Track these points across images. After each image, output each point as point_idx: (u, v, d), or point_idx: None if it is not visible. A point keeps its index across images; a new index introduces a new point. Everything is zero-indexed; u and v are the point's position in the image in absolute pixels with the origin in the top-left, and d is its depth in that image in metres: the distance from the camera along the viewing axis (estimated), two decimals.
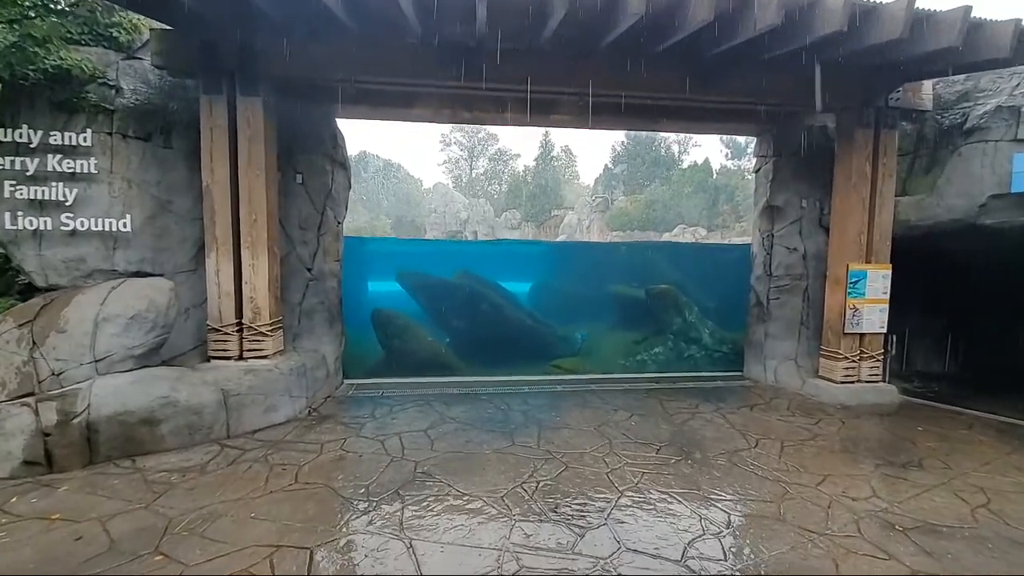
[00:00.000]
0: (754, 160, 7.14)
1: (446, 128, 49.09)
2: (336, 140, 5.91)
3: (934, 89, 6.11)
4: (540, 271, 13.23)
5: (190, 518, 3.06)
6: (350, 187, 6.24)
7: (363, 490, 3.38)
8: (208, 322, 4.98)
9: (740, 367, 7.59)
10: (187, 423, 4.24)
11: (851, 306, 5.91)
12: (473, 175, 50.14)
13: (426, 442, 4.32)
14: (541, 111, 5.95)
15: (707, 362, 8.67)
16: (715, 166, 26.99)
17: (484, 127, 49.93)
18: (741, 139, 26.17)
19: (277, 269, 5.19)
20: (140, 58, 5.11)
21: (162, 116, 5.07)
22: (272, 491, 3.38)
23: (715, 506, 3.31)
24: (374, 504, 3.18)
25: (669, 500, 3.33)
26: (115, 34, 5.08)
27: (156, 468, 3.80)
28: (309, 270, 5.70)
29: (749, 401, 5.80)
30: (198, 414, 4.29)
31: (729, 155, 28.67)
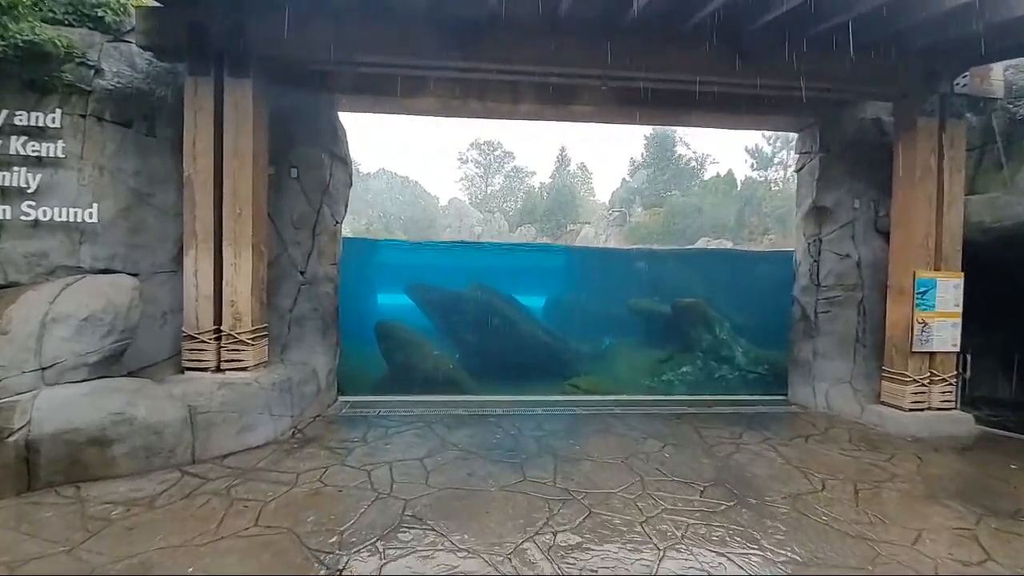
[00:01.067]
0: (795, 158, 6.43)
1: (463, 146, 49.39)
2: (336, 133, 5.42)
3: (1004, 75, 5.37)
4: (556, 282, 12.56)
5: (115, 569, 2.43)
6: (351, 184, 5.73)
7: (334, 539, 2.70)
8: (183, 328, 4.43)
9: (780, 389, 6.74)
10: (145, 444, 3.64)
11: (919, 320, 5.09)
12: (488, 191, 50.14)
13: (421, 474, 3.63)
14: (560, 99, 5.39)
15: (740, 383, 7.82)
16: (739, 177, 26.25)
17: (501, 146, 50.25)
18: (767, 149, 25.40)
19: (264, 271, 4.64)
20: (128, 41, 4.72)
21: (147, 102, 4.64)
22: (223, 536, 2.72)
23: None
24: (344, 560, 2.49)
25: (726, 566, 2.57)
26: (101, 14, 4.70)
27: (100, 499, 3.19)
28: (302, 273, 5.15)
29: (801, 430, 4.97)
30: (158, 434, 3.69)
31: (754, 165, 27.75)
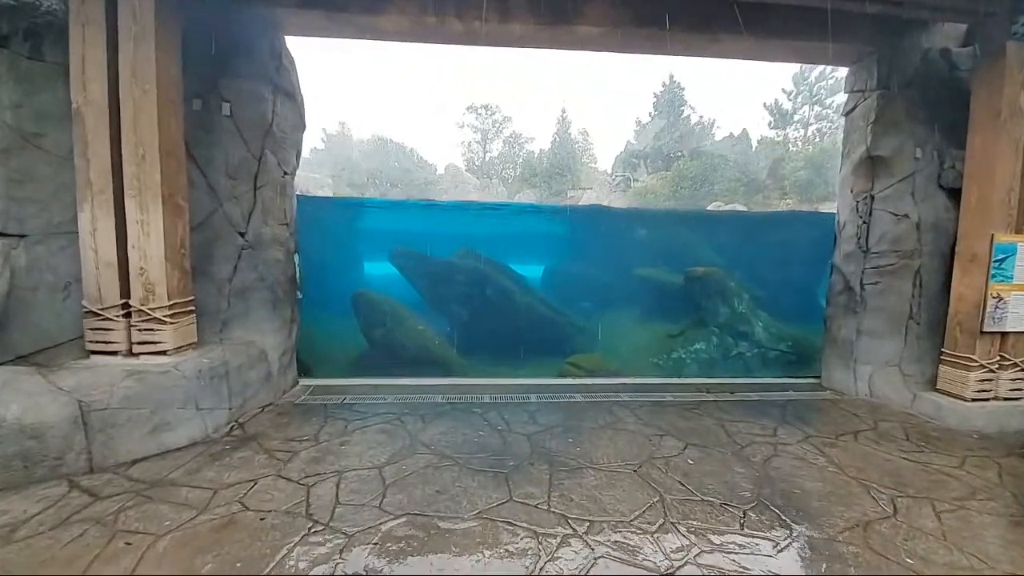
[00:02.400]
0: (845, 98, 5.36)
1: (456, 110, 47.31)
2: (281, 61, 4.35)
3: None
4: (556, 249, 11.59)
5: None
6: (304, 127, 4.70)
7: None
8: (84, 302, 3.53)
9: (806, 370, 5.94)
10: (19, 452, 2.81)
11: (993, 294, 4.19)
12: (487, 158, 48.35)
13: (376, 491, 2.81)
14: (561, 18, 4.30)
15: (760, 363, 7.00)
16: (754, 137, 24.57)
17: (499, 110, 48.10)
18: (787, 105, 23.42)
19: (183, 230, 3.70)
20: None
21: (29, 14, 3.58)
22: None
23: None
24: None
25: None
26: None
27: None
28: (242, 235, 4.21)
29: (846, 425, 4.15)
30: (37, 438, 2.85)
31: (772, 123, 25.72)
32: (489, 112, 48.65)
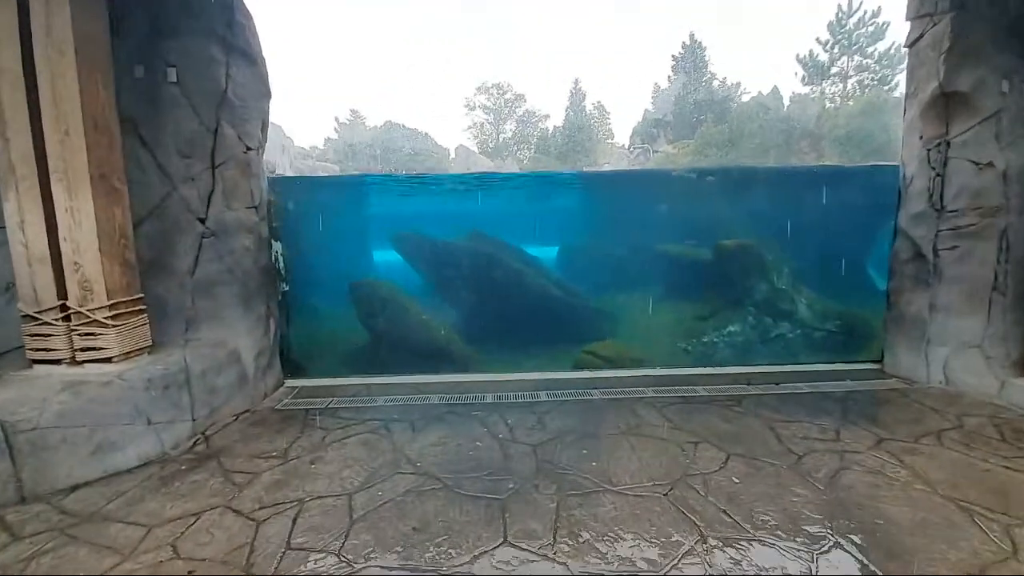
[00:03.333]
0: (908, 27, 4.43)
1: (469, 91, 46.32)
2: (232, 13, 3.74)
3: None
4: (572, 224, 10.86)
5: None
6: (268, 95, 4.12)
7: None
8: (19, 305, 3.08)
9: (860, 353, 5.16)
10: None
11: None
12: (500, 139, 47.24)
13: (339, 527, 2.27)
14: None
15: (804, 346, 6.20)
16: (786, 94, 22.53)
17: (511, 88, 46.77)
18: (823, 56, 21.20)
19: (122, 216, 3.18)
20: None
21: None
22: None
23: None
24: None
25: None
26: None
27: None
28: (202, 221, 3.68)
29: (923, 421, 3.41)
30: None
31: (806, 79, 23.42)
32: (501, 91, 47.37)
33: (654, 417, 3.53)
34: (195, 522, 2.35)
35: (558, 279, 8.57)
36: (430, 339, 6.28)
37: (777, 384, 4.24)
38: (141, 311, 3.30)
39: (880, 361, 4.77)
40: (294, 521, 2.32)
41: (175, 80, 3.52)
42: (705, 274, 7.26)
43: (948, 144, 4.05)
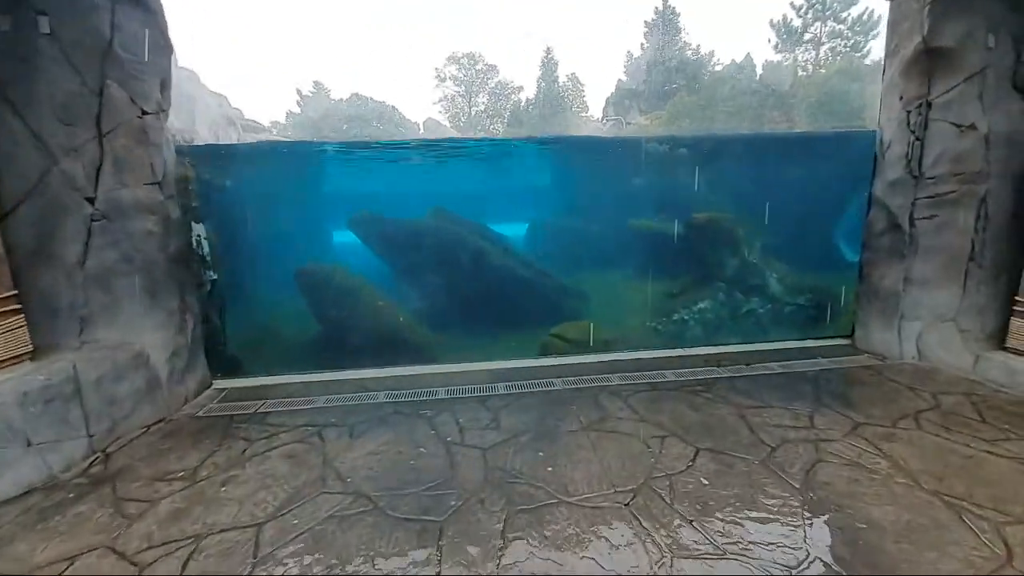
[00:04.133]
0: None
1: (439, 61, 44.49)
2: None
3: None
4: (540, 199, 10.42)
5: None
6: (171, 49, 3.49)
7: None
8: None
9: (829, 327, 5.02)
10: None
11: None
12: (472, 113, 45.75)
13: (238, 569, 1.90)
14: None
15: (774, 321, 6.05)
16: (758, 62, 22.10)
17: (483, 58, 45.08)
18: (796, 21, 20.74)
19: None
20: None
21: None
22: None
23: None
24: None
25: None
26: None
27: None
28: (90, 201, 3.11)
29: (899, 402, 3.23)
30: None
31: (779, 46, 22.85)
32: (472, 61, 45.64)
33: (619, 408, 3.24)
34: (67, 568, 1.93)
35: (525, 258, 8.20)
36: (388, 328, 5.84)
37: (747, 365, 4.02)
38: (15, 311, 2.76)
39: (851, 336, 4.61)
40: (184, 564, 1.92)
41: (48, 31, 2.89)
42: (676, 249, 7.01)
43: (929, 105, 3.78)
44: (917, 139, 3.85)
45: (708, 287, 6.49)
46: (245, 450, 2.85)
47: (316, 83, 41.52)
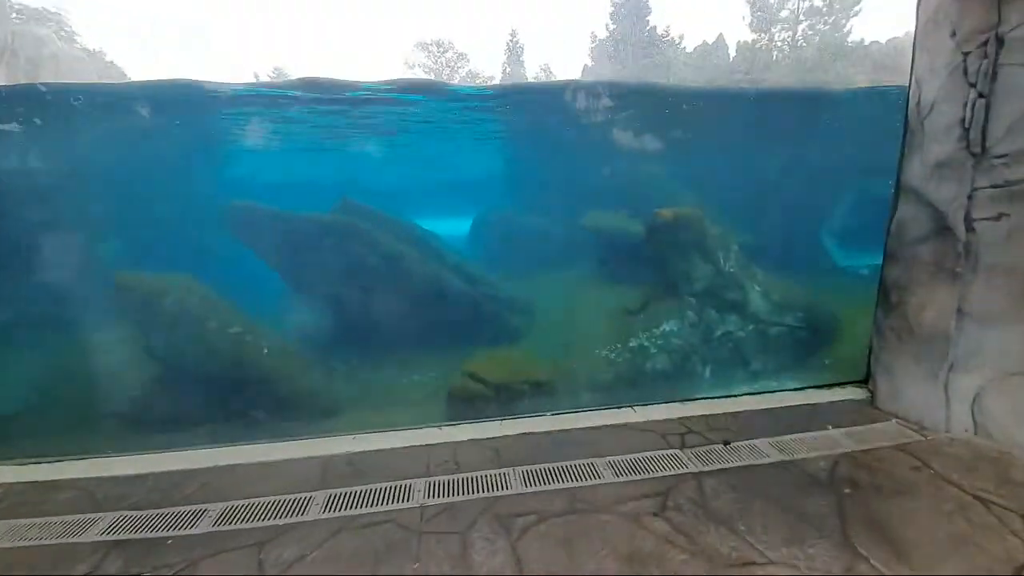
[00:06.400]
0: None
1: (406, 48, 42.44)
2: None
3: None
4: (486, 186, 8.88)
5: None
6: None
7: None
8: None
9: (831, 364, 3.75)
10: None
11: None
12: None
13: None
14: None
15: (757, 346, 4.74)
16: (731, 43, 20.49)
17: (452, 46, 43.11)
18: (774, 0, 18.80)
19: None
20: None
21: None
22: None
23: None
24: None
25: None
26: None
27: None
28: None
29: (973, 541, 1.87)
30: None
31: (754, 23, 20.97)
32: (442, 49, 43.62)
33: (497, 565, 1.79)
34: None
35: (459, 262, 6.70)
36: (238, 369, 4.25)
37: (726, 445, 2.61)
38: None
39: (866, 383, 3.28)
40: None
41: None
42: (637, 254, 5.61)
43: (1001, 42, 2.42)
44: (980, 95, 2.49)
45: (675, 302, 5.11)
46: None
47: (276, 69, 38.96)
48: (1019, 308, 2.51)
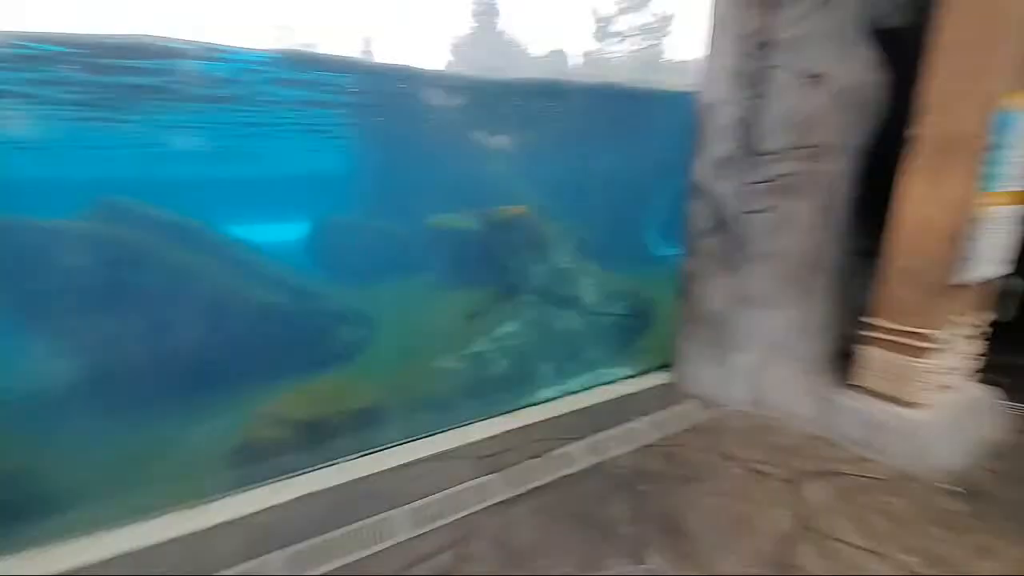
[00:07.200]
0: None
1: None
2: None
3: None
4: (323, 181, 7.91)
5: None
6: None
7: None
8: None
9: (649, 340, 3.89)
10: None
11: (979, 207, 2.25)
12: None
13: None
14: None
15: (590, 338, 4.82)
16: (577, 52, 20.84)
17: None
18: (606, 10, 18.98)
19: None
20: None
21: None
22: None
23: None
24: None
25: None
26: None
27: None
28: None
29: (753, 521, 1.89)
30: None
31: (596, 33, 21.21)
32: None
33: None
34: None
35: (280, 274, 5.72)
36: None
37: (539, 458, 2.39)
38: None
39: (669, 367, 3.39)
40: None
41: None
42: (475, 253, 5.36)
43: (771, 45, 2.59)
44: (756, 95, 2.64)
45: (514, 302, 4.95)
46: None
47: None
48: (784, 291, 2.74)
